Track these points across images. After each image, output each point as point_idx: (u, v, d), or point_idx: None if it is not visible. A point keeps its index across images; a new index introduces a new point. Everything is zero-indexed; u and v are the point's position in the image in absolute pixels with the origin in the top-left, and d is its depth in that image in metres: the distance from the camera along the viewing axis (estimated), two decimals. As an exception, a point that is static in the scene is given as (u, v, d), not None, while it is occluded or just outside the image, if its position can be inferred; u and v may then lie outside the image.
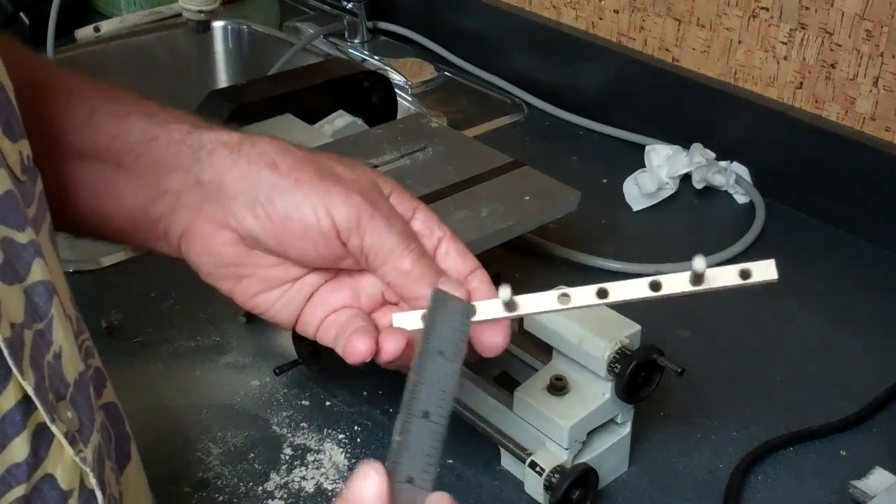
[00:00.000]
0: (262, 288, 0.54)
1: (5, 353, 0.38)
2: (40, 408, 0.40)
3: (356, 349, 0.51)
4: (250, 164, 0.52)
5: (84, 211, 0.56)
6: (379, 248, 0.51)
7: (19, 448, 0.39)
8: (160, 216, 0.55)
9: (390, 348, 0.50)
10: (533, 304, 0.50)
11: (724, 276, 0.47)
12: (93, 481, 0.43)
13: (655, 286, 0.47)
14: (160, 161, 0.54)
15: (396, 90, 1.09)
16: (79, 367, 0.44)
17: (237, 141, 0.53)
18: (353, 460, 0.72)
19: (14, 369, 0.38)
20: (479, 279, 0.52)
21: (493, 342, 0.51)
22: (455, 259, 0.53)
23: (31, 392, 0.39)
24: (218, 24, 1.39)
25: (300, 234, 0.51)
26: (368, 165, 0.57)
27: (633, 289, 0.48)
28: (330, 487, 0.70)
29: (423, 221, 0.54)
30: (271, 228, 0.52)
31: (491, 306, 0.50)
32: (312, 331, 0.55)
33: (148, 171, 0.54)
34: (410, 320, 0.51)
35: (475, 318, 0.50)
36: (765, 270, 0.46)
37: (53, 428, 0.40)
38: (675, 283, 0.47)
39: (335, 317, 0.54)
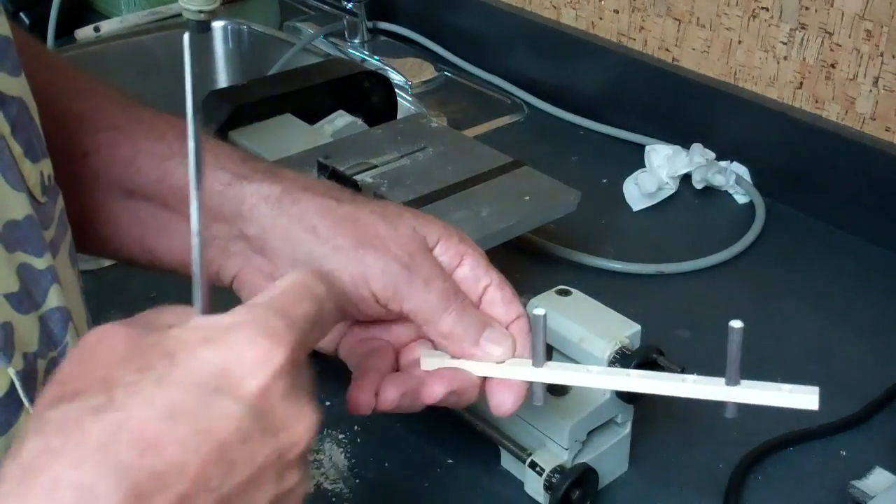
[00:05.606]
0: None
1: (18, 386, 0.38)
2: None
3: (358, 401, 0.51)
4: (290, 223, 0.53)
5: (135, 248, 0.57)
6: (418, 311, 0.51)
7: None
8: (211, 260, 0.55)
9: (390, 397, 0.50)
10: (563, 374, 0.50)
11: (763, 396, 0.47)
12: None
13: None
14: (205, 209, 0.54)
15: (396, 90, 1.09)
16: None
17: (277, 195, 0.53)
18: (353, 460, 0.72)
19: (26, 403, 0.38)
20: (517, 329, 0.52)
21: (501, 400, 0.51)
22: (500, 307, 0.53)
23: None
24: (218, 24, 1.39)
25: (342, 297, 0.52)
26: (412, 209, 0.55)
27: (662, 384, 0.48)
28: (330, 487, 0.70)
29: (471, 268, 0.54)
30: None
31: (518, 366, 0.50)
32: (332, 349, 0.56)
33: None
34: (437, 361, 0.52)
35: (495, 375, 0.51)
36: (805, 398, 0.47)
37: None
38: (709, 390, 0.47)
39: (358, 345, 0.55)
